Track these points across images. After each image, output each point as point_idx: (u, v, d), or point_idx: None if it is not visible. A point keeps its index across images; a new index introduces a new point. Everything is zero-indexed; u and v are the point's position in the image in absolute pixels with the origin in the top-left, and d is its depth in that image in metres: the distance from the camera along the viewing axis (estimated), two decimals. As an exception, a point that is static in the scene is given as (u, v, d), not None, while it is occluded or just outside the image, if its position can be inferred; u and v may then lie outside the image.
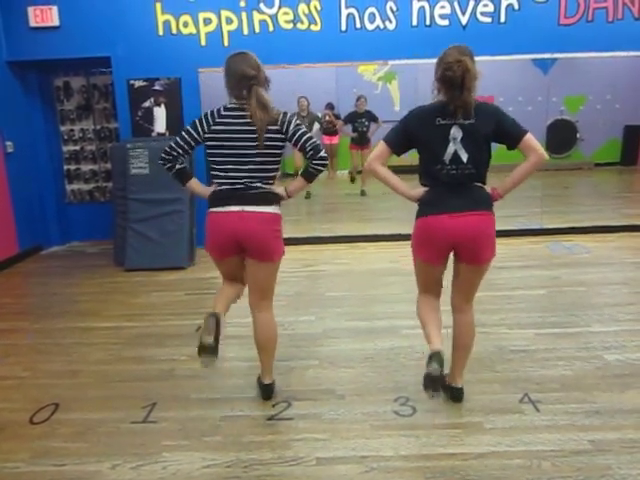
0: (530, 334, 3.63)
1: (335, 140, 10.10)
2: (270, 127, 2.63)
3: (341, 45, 5.81)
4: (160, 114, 6.00)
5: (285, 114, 2.68)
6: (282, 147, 2.71)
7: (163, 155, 2.72)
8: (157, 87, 5.94)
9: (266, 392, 2.94)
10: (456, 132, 2.48)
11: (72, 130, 6.68)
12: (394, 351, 3.43)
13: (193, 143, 2.70)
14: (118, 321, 4.18)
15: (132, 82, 5.92)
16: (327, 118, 9.84)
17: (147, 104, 5.97)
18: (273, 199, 2.73)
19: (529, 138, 2.49)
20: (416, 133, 2.55)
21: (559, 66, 7.70)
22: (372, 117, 8.78)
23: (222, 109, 2.68)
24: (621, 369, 3.12)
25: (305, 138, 2.65)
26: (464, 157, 2.49)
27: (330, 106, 10.23)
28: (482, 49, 5.68)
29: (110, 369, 3.39)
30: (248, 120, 2.61)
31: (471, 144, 2.49)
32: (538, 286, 4.64)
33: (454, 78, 2.40)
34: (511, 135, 2.51)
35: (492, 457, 2.38)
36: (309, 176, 2.76)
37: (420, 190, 2.64)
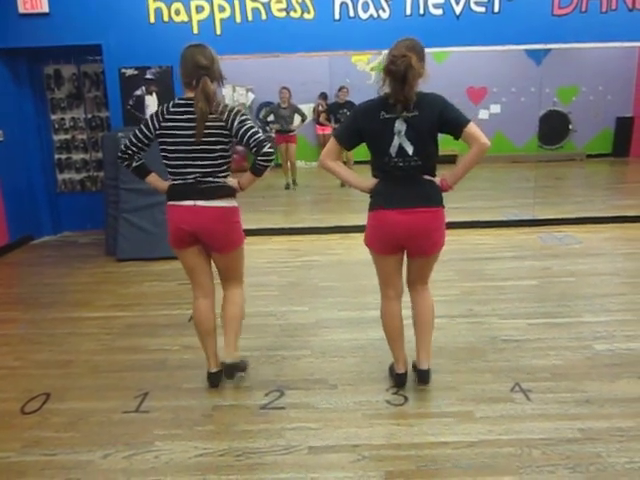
0: (521, 324, 3.65)
1: (328, 130, 10.06)
2: (213, 123, 2.62)
3: (334, 34, 5.78)
4: (152, 103, 5.95)
5: (231, 110, 2.66)
6: (229, 142, 2.69)
7: (119, 154, 2.78)
8: (149, 76, 5.89)
9: (225, 371, 2.93)
10: (400, 125, 2.51)
11: (63, 119, 6.61)
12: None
13: (146, 140, 2.74)
14: (110, 311, 4.17)
15: (123, 70, 5.87)
16: (320, 108, 9.81)
17: (139, 93, 5.92)
18: (225, 192, 2.73)
19: (471, 127, 2.48)
20: (363, 128, 2.58)
21: (552, 57, 7.71)
22: (352, 107, 8.69)
23: (171, 105, 2.69)
24: (611, 359, 3.15)
25: (249, 134, 2.62)
26: (409, 149, 2.52)
27: (323, 96, 10.20)
28: (475, 39, 5.77)
29: (102, 359, 3.38)
30: (194, 115, 2.61)
31: (415, 136, 2.51)
32: (529, 277, 4.66)
33: (397, 72, 2.41)
34: (453, 124, 2.51)
35: (483, 445, 2.40)
36: (256, 172, 2.73)
37: (372, 182, 2.68)
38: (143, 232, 5.53)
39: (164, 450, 2.45)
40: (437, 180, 2.62)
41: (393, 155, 2.54)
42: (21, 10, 5.66)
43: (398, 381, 2.90)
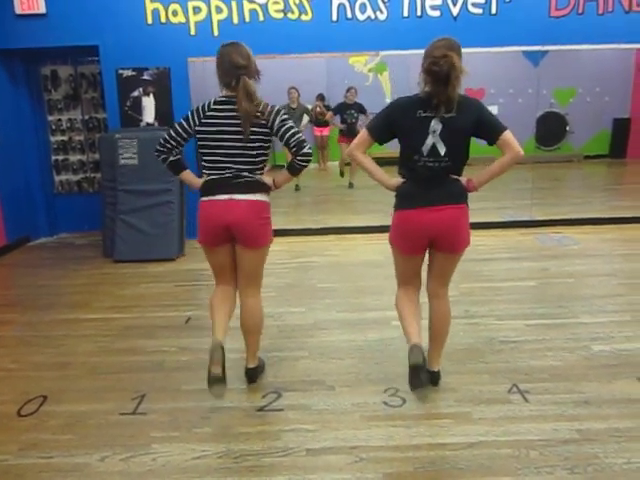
0: (519, 325, 3.65)
1: (326, 131, 10.08)
2: (256, 121, 2.67)
3: (332, 35, 5.77)
4: (149, 104, 5.94)
5: (272, 107, 2.71)
6: (269, 140, 2.75)
7: (158, 147, 2.81)
8: (146, 77, 5.88)
9: (249, 376, 3.01)
10: (436, 125, 2.52)
11: (60, 120, 6.60)
12: (384, 342, 3.44)
13: (185, 135, 2.77)
14: (107, 313, 4.15)
15: (121, 71, 5.85)
16: (318, 109, 9.80)
17: (136, 94, 5.92)
18: (261, 188, 2.78)
19: (507, 135, 2.51)
20: (398, 123, 2.59)
21: (549, 58, 7.71)
22: (361, 109, 8.70)
23: (212, 102, 2.73)
24: (609, 359, 3.15)
25: (290, 133, 2.68)
26: (442, 150, 2.53)
27: (321, 97, 10.19)
28: (473, 40, 5.74)
29: (99, 361, 3.37)
30: (235, 113, 2.66)
31: (450, 138, 2.53)
32: (527, 278, 4.67)
33: (439, 73, 2.42)
34: (490, 131, 2.54)
35: (481, 447, 2.40)
36: (294, 171, 2.81)
37: (398, 180, 2.69)
38: (140, 233, 5.52)
39: (161, 452, 2.44)
40: (463, 180, 2.65)
41: (425, 154, 2.55)
42: (18, 11, 5.64)
43: (410, 356, 2.55)
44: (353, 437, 2.50)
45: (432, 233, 2.63)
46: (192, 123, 2.73)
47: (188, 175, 2.90)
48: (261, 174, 2.79)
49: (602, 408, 2.66)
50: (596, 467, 2.25)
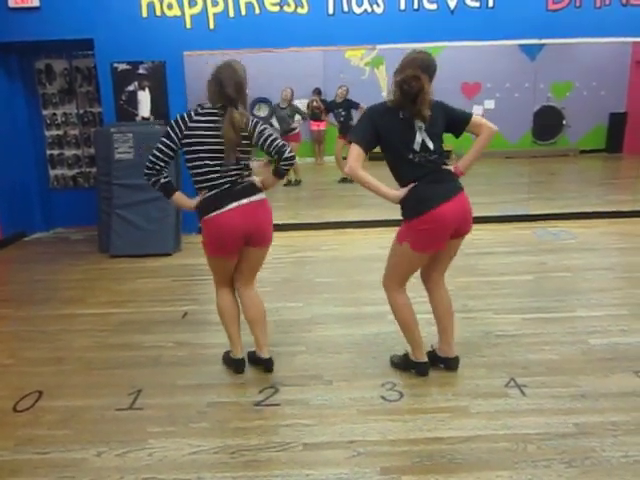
0: (516, 319, 3.65)
1: (322, 126, 10.05)
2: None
3: (328, 29, 5.74)
4: (144, 98, 5.90)
5: (250, 119, 2.77)
6: (251, 145, 2.80)
7: (146, 170, 2.75)
8: (141, 71, 5.84)
9: (266, 366, 3.05)
10: (419, 122, 2.62)
11: (55, 114, 6.56)
12: (381, 337, 3.43)
13: (171, 152, 2.75)
14: (103, 308, 4.14)
15: (116, 65, 5.82)
16: (314, 104, 9.76)
17: (131, 88, 5.88)
18: (257, 189, 2.84)
19: (476, 117, 2.71)
20: (383, 127, 2.64)
21: (546, 52, 7.69)
22: (350, 106, 8.67)
23: (193, 113, 2.73)
24: (605, 353, 3.15)
25: (269, 142, 2.75)
26: (430, 145, 2.63)
27: (317, 91, 10.15)
28: (470, 34, 5.75)
29: (95, 356, 3.36)
30: (219, 124, 2.68)
31: (433, 133, 2.64)
32: (524, 272, 4.66)
33: (409, 93, 2.53)
34: (460, 120, 2.70)
35: (478, 441, 2.40)
36: (279, 175, 2.87)
37: (401, 191, 2.68)
38: (136, 228, 5.50)
39: (158, 447, 2.43)
40: (451, 168, 2.74)
41: (418, 150, 2.61)
42: (11, 4, 5.60)
43: (423, 370, 2.94)
44: (350, 431, 2.50)
45: (458, 223, 2.69)
46: (175, 137, 2.71)
47: (180, 196, 2.87)
48: (249, 175, 2.84)
49: (599, 402, 2.66)
50: (593, 461, 2.25)
